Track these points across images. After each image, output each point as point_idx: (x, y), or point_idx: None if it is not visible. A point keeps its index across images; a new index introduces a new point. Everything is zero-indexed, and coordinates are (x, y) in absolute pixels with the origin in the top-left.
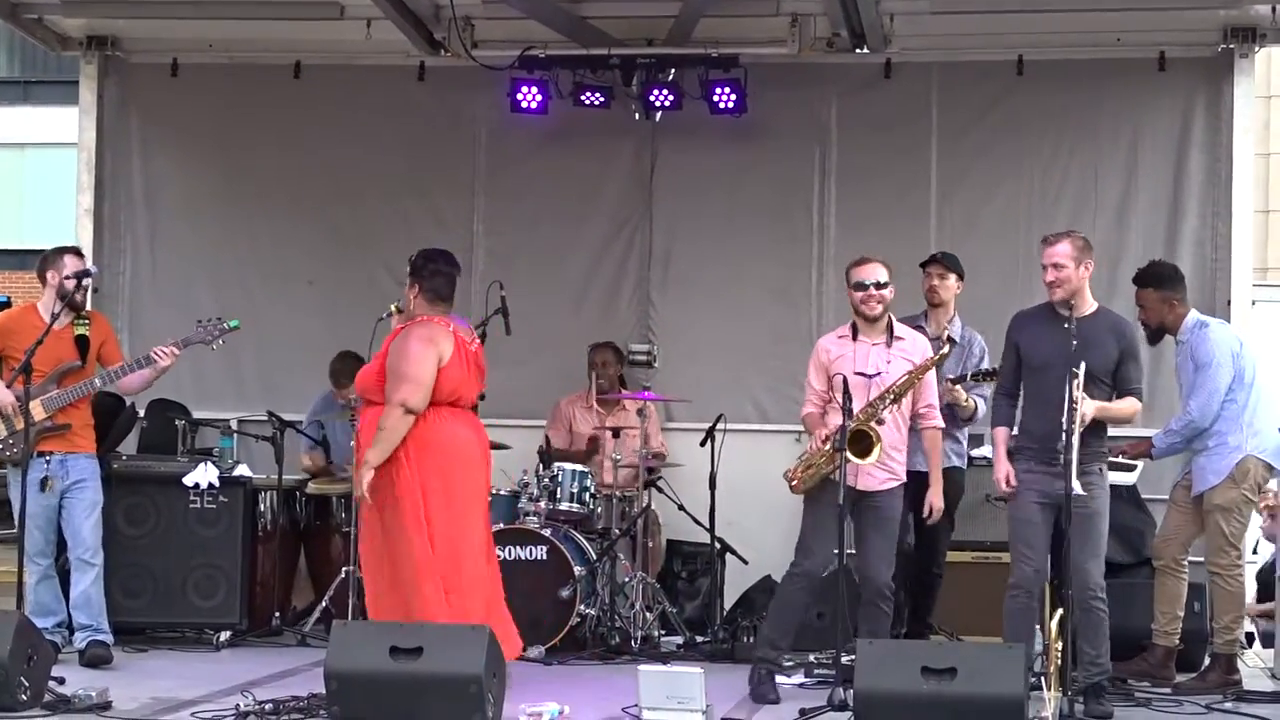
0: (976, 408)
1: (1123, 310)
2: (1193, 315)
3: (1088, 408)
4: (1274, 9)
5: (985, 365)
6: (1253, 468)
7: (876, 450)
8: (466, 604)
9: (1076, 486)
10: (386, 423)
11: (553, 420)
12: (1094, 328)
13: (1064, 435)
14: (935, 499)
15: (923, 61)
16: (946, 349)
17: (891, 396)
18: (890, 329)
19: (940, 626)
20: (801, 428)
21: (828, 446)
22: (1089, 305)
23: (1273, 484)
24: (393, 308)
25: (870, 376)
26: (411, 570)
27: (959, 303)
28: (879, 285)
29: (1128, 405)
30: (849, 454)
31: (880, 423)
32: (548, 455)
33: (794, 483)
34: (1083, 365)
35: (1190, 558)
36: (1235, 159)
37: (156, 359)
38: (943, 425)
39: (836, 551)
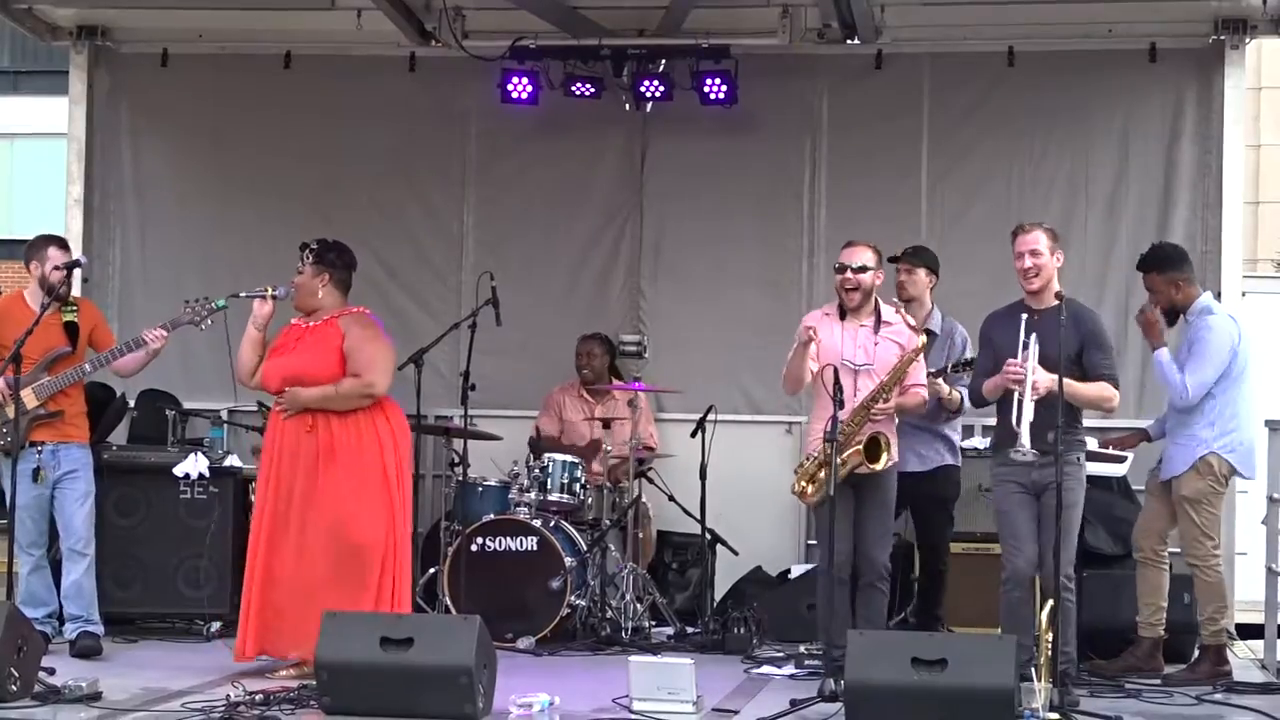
0: (962, 400)
1: (1115, 300)
2: (1202, 299)
3: (1041, 377)
4: (1264, 1)
5: (968, 355)
6: (1215, 464)
7: (884, 457)
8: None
9: (1029, 452)
10: (347, 391)
11: (544, 409)
12: (1056, 317)
13: (1016, 400)
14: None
15: (914, 52)
16: (923, 339)
17: (883, 397)
18: (878, 313)
19: None
20: (791, 419)
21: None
22: (1056, 288)
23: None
24: (270, 291)
25: (858, 367)
26: (379, 555)
27: (941, 295)
28: (856, 270)
29: (1096, 388)
30: (864, 459)
31: (874, 420)
32: (538, 443)
33: (807, 497)
34: (1035, 337)
35: (1171, 548)
36: (1226, 150)
37: (147, 341)
38: (926, 397)
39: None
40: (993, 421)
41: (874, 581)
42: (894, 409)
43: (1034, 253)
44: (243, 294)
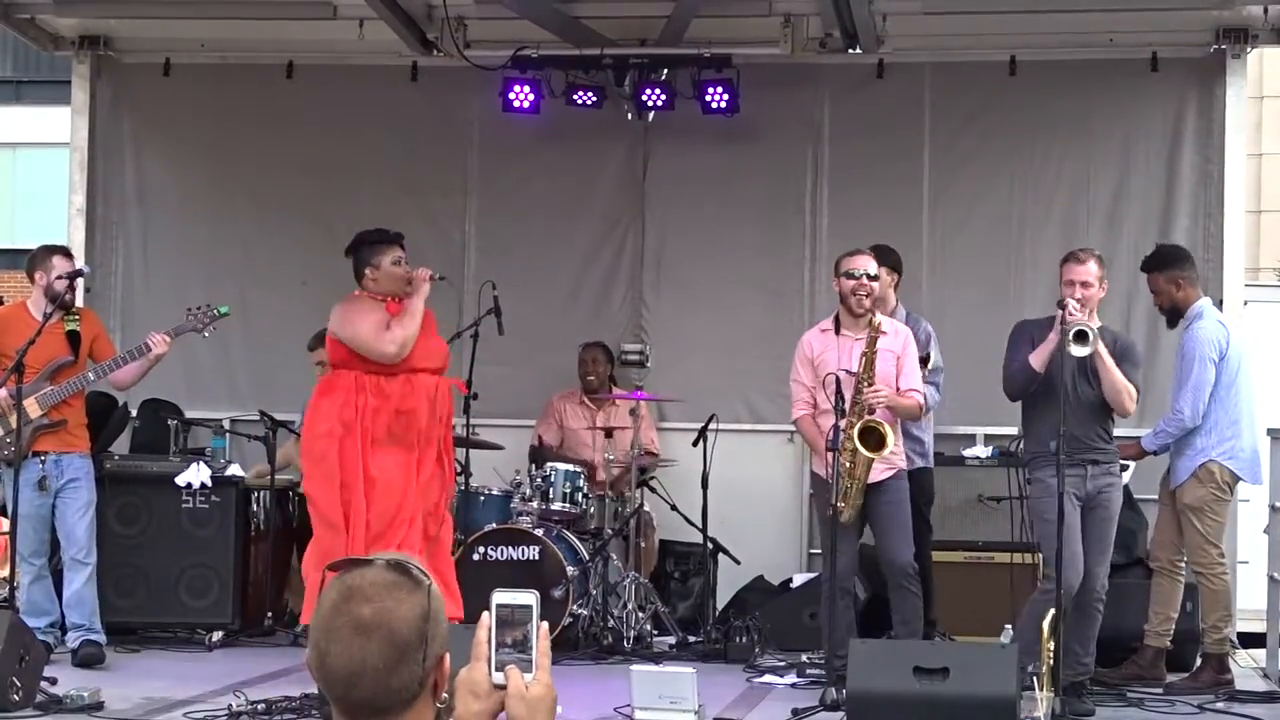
0: (926, 399)
1: (1118, 309)
2: (1198, 304)
3: (1082, 319)
4: (1266, 10)
5: (930, 351)
6: (1217, 470)
7: (890, 439)
8: None
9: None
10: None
11: (544, 416)
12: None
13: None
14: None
15: (915, 62)
16: (878, 322)
17: (866, 382)
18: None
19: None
20: (793, 428)
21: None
22: (1095, 323)
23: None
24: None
25: (854, 374)
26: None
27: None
28: (870, 276)
29: (1123, 379)
30: (867, 451)
31: (872, 411)
32: (539, 452)
33: (842, 512)
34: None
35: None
36: (1227, 159)
37: (151, 346)
38: (922, 401)
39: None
40: (993, 430)
41: (901, 583)
42: (888, 404)
43: (1085, 284)
44: (438, 277)
